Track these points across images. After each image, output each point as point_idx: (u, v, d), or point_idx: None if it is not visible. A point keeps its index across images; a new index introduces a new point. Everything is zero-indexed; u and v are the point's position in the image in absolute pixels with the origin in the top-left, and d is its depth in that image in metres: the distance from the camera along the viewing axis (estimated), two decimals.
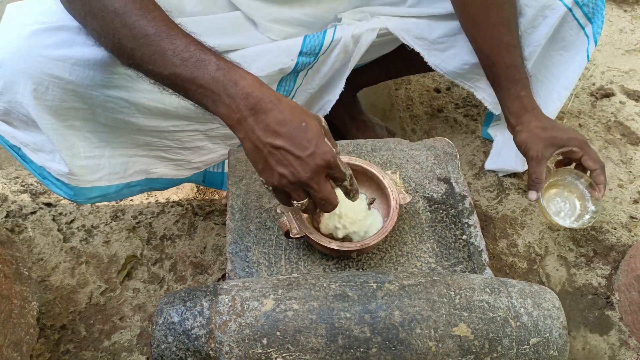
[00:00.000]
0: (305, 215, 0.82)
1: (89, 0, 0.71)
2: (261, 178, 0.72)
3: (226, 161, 1.16)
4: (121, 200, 1.30)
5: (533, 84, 1.18)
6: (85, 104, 0.87)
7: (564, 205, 1.16)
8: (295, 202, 0.73)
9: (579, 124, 1.50)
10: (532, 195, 1.01)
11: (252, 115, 0.69)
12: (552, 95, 1.16)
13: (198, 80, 0.69)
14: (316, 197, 0.72)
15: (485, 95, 1.18)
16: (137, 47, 0.70)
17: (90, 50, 0.82)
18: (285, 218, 0.79)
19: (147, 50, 0.70)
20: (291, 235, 0.78)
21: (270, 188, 0.73)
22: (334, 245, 0.78)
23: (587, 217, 1.12)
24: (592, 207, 1.13)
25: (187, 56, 0.70)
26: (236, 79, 0.69)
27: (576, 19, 1.03)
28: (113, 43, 0.71)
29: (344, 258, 0.84)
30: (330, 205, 0.73)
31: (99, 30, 0.72)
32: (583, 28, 1.04)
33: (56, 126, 0.86)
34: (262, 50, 0.96)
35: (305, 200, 0.72)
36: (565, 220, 1.13)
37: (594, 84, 1.61)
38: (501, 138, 1.33)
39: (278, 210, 0.80)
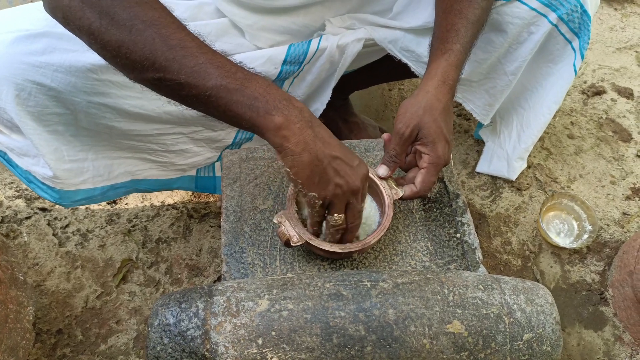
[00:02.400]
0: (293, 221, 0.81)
1: (111, 8, 0.66)
2: (313, 192, 0.72)
3: (216, 165, 1.16)
4: (115, 204, 1.31)
5: (523, 94, 1.19)
6: (68, 109, 0.88)
7: (563, 227, 1.26)
8: (335, 215, 0.75)
9: (571, 122, 1.51)
10: (381, 170, 0.85)
11: (310, 128, 0.70)
12: (542, 109, 1.17)
13: (249, 91, 0.68)
14: (355, 209, 0.76)
15: (474, 106, 1.18)
16: (174, 59, 0.67)
17: (71, 57, 0.82)
18: (283, 227, 0.78)
19: (188, 61, 0.67)
20: (292, 244, 0.78)
21: (320, 202, 0.73)
22: (335, 248, 0.78)
23: (586, 236, 1.23)
24: (589, 227, 1.23)
25: (234, 70, 0.69)
26: (287, 95, 0.70)
27: (562, 34, 1.03)
28: (142, 54, 0.67)
29: (344, 259, 0.85)
30: (360, 219, 0.78)
31: (122, 40, 0.67)
32: (570, 42, 1.04)
33: (39, 131, 0.87)
34: (246, 58, 0.96)
35: (342, 214, 0.75)
36: (565, 240, 1.24)
37: (585, 82, 1.62)
38: (492, 144, 1.34)
39: (275, 220, 0.79)
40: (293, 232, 0.78)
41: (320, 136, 0.71)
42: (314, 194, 0.72)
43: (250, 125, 0.70)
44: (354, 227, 0.78)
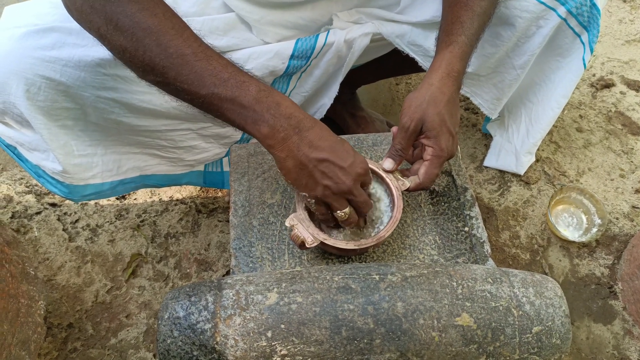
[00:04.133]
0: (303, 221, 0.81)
1: (115, 15, 0.69)
2: (303, 193, 0.75)
3: (224, 160, 1.16)
4: (125, 199, 1.31)
5: (532, 88, 1.19)
6: (77, 104, 0.88)
7: (572, 220, 1.26)
8: (338, 212, 0.76)
9: (580, 115, 1.50)
10: (387, 163, 0.85)
11: (297, 134, 0.72)
12: (551, 103, 1.16)
13: (239, 100, 0.70)
14: (357, 203, 0.77)
15: (482, 100, 1.18)
16: (171, 66, 0.70)
17: (80, 52, 0.83)
18: (296, 230, 0.78)
19: (184, 69, 0.70)
20: (307, 246, 0.77)
21: (313, 201, 0.76)
22: (351, 245, 0.78)
23: (595, 230, 1.23)
24: (598, 221, 1.23)
25: (227, 77, 0.71)
26: (277, 100, 0.72)
27: (571, 28, 1.02)
28: (142, 60, 0.70)
29: (359, 255, 0.84)
30: (368, 206, 0.79)
31: (125, 46, 0.70)
32: (579, 36, 1.03)
33: (49, 126, 0.88)
34: (254, 53, 0.97)
35: (347, 209, 0.76)
36: (574, 234, 1.24)
37: (594, 75, 1.61)
38: (500, 139, 1.34)
39: (287, 224, 0.79)
40: (307, 233, 0.77)
41: (307, 141, 0.72)
42: (305, 193, 0.75)
43: (241, 130, 0.73)
44: (364, 212, 0.79)
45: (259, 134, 0.72)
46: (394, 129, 0.85)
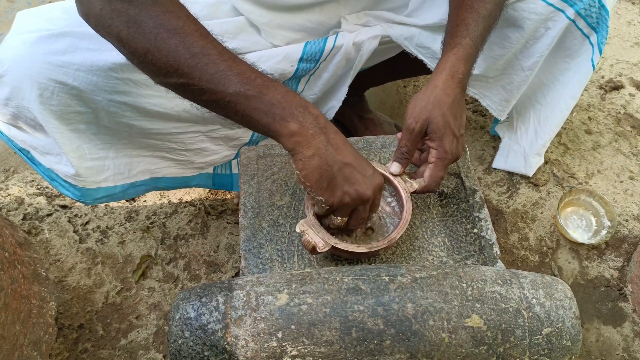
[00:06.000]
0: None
1: (139, 17, 0.69)
2: (321, 197, 0.73)
3: (233, 162, 1.17)
4: (134, 201, 1.32)
5: (541, 89, 1.19)
6: (89, 108, 0.89)
7: (581, 222, 1.26)
8: (337, 218, 0.76)
9: (589, 117, 1.49)
10: (394, 167, 0.85)
11: (324, 134, 0.72)
12: (560, 105, 1.16)
13: (267, 98, 0.70)
14: (360, 216, 0.76)
15: (490, 102, 1.18)
16: (196, 66, 0.69)
17: (93, 56, 0.84)
18: (307, 236, 0.78)
19: (209, 69, 0.69)
20: (318, 251, 0.77)
21: (327, 207, 0.74)
22: (363, 248, 0.78)
23: (604, 232, 1.23)
24: (607, 223, 1.22)
25: (253, 77, 0.71)
26: (304, 102, 0.72)
27: (580, 29, 1.02)
28: (166, 61, 0.70)
29: (370, 258, 0.85)
30: (363, 225, 0.80)
31: (148, 48, 0.70)
32: (588, 37, 1.03)
33: (62, 130, 0.89)
34: (263, 56, 0.97)
35: (346, 218, 0.76)
36: (584, 236, 1.24)
37: (603, 77, 1.60)
38: (508, 140, 1.34)
39: (297, 230, 0.79)
40: (318, 239, 0.77)
41: (333, 142, 0.72)
42: (322, 198, 0.74)
43: (266, 130, 0.72)
44: (357, 227, 0.80)
45: (286, 131, 0.71)
46: (399, 134, 0.86)
